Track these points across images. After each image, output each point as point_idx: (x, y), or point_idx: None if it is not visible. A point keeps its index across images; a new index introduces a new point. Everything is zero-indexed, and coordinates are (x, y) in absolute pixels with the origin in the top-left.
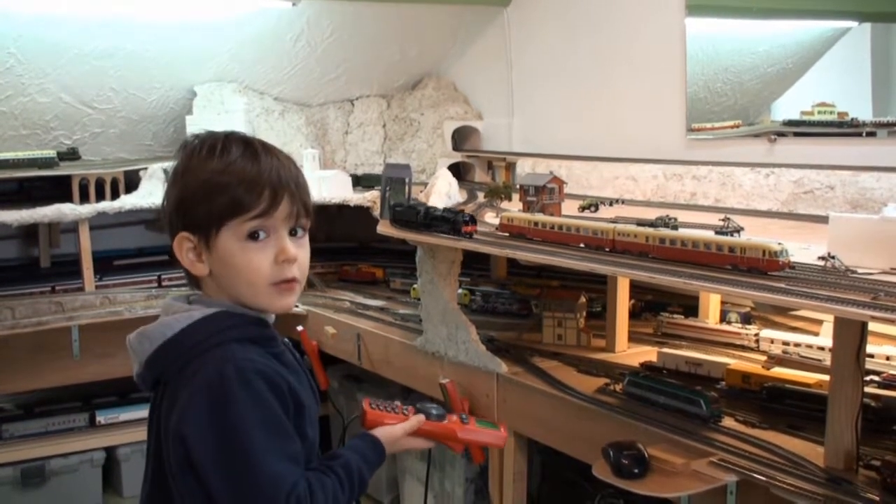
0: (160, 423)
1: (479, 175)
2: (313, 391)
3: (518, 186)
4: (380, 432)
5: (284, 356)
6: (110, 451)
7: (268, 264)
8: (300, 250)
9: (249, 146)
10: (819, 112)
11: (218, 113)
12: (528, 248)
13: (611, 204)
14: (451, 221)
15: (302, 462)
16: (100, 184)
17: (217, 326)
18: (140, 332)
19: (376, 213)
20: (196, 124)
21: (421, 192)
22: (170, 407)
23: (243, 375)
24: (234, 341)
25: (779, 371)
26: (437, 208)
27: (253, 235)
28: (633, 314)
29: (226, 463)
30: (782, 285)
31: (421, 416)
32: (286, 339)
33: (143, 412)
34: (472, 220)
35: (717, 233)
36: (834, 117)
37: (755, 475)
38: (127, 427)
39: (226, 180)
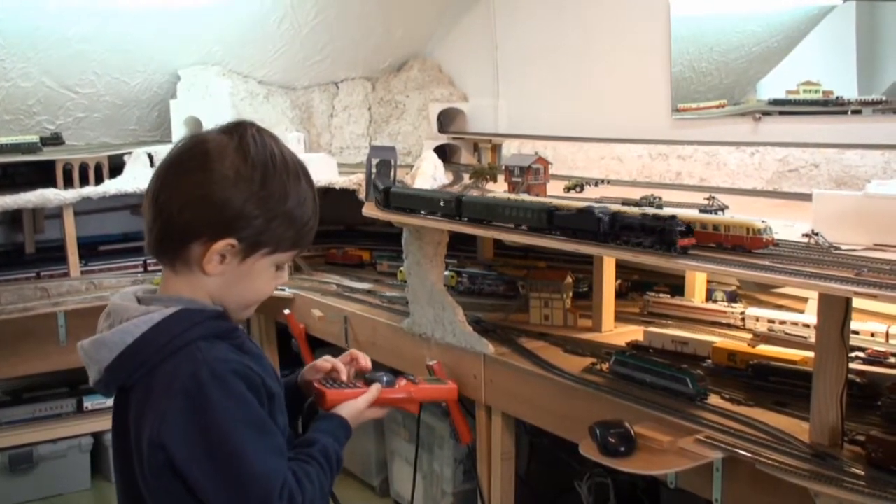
0: (128, 430)
1: (465, 157)
2: (276, 375)
3: (503, 167)
4: (344, 410)
5: (246, 344)
6: (98, 437)
7: (271, 289)
8: None
9: (310, 179)
10: (804, 91)
11: (202, 97)
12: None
13: (596, 184)
14: (661, 232)
15: (286, 454)
16: (84, 169)
17: (181, 326)
18: (95, 339)
19: (362, 195)
20: (181, 108)
21: (407, 174)
22: (140, 414)
23: (219, 377)
24: (201, 339)
25: (764, 349)
26: (632, 215)
27: (280, 267)
28: (620, 294)
29: (216, 467)
30: (766, 263)
31: (378, 386)
32: (240, 327)
33: None
34: (690, 230)
35: (701, 211)
36: (819, 96)
37: (741, 452)
38: None
39: (297, 215)
